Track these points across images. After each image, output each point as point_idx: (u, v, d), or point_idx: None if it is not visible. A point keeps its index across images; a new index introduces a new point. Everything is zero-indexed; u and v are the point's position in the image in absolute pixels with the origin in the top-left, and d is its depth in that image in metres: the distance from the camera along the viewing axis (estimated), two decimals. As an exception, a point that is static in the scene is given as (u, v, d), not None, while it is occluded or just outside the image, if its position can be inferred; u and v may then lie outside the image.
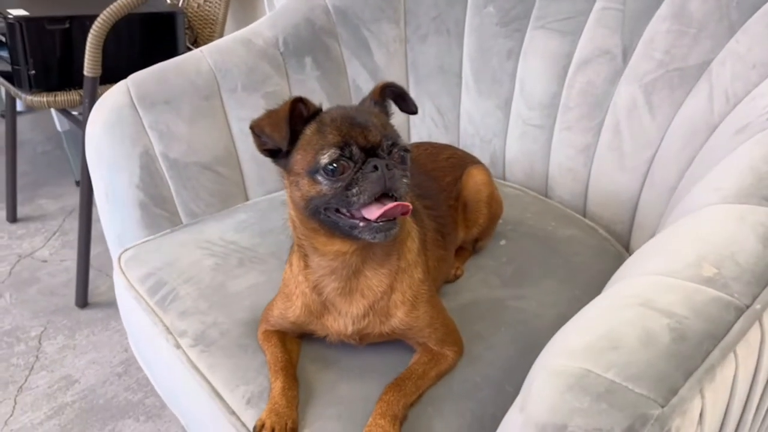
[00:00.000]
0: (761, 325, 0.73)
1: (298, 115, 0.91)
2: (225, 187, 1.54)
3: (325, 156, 0.85)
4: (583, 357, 0.69)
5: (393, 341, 1.06)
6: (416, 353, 1.03)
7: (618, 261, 1.32)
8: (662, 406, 0.64)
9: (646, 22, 1.37)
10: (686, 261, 0.78)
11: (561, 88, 1.51)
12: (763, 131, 0.96)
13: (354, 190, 0.84)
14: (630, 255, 1.35)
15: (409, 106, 0.98)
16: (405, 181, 0.86)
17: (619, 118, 1.39)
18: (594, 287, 1.22)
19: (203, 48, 1.55)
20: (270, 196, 1.57)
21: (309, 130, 0.90)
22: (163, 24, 2.51)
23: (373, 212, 0.85)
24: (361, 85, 1.66)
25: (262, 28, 1.60)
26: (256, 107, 1.53)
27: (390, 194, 0.85)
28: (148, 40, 2.49)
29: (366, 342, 1.04)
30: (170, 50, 2.53)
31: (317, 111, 0.93)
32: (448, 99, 1.69)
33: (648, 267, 0.81)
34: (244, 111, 1.52)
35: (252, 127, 0.94)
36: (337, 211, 0.87)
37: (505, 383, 1.02)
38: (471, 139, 1.68)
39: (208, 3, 2.82)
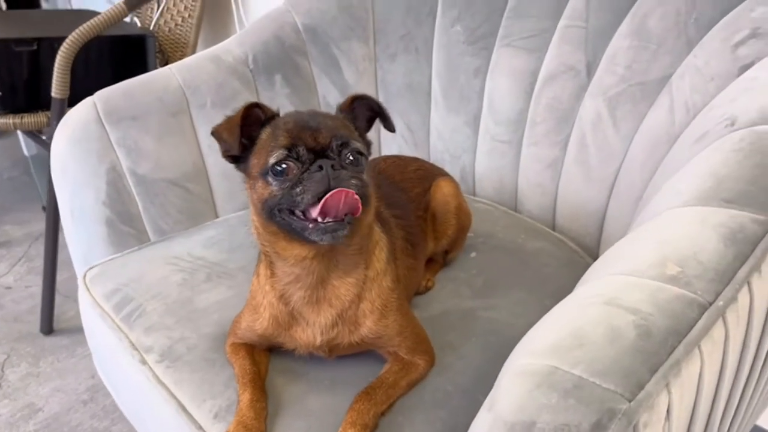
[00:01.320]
0: (725, 321, 0.74)
1: (255, 120, 0.93)
2: (194, 204, 1.53)
3: (273, 157, 0.86)
4: (549, 355, 0.69)
5: (363, 353, 1.05)
6: (387, 363, 1.02)
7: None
8: (629, 401, 0.64)
9: (608, 38, 1.40)
10: (650, 261, 0.79)
11: (528, 104, 1.53)
12: (721, 138, 0.98)
13: (298, 190, 0.84)
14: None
15: (386, 122, 0.97)
16: (354, 182, 0.85)
17: (584, 132, 1.42)
18: (563, 296, 1.24)
19: (172, 66, 1.55)
20: (240, 212, 1.56)
21: (264, 134, 0.92)
22: (133, 47, 2.51)
23: (315, 210, 0.84)
24: (331, 102, 1.67)
25: (231, 45, 1.61)
26: (225, 124, 1.53)
27: None
28: (117, 63, 2.49)
29: (335, 354, 1.03)
30: (140, 73, 2.53)
31: (274, 116, 0.94)
32: (417, 116, 1.71)
33: (612, 269, 0.82)
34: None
35: (212, 133, 0.95)
36: (293, 213, 0.87)
37: (476, 392, 1.02)
38: (441, 155, 1.70)
39: (179, 27, 2.82)
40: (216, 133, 0.94)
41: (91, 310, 1.28)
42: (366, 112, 0.97)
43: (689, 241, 0.82)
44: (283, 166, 0.86)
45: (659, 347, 0.69)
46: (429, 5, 1.66)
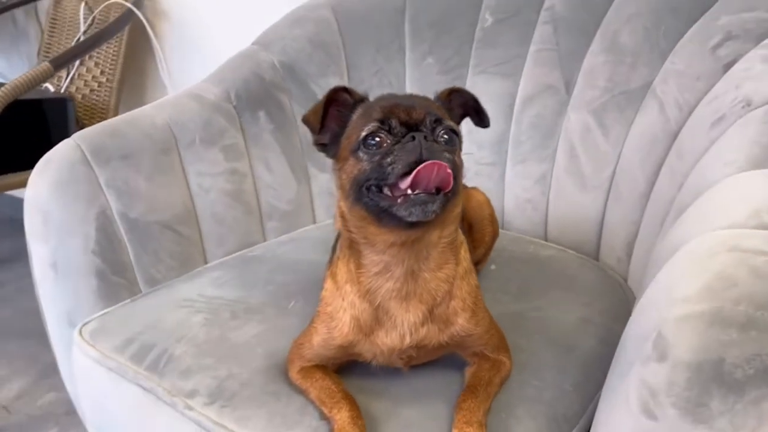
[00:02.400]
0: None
1: (344, 103, 0.93)
2: (185, 248, 1.42)
3: (365, 129, 0.85)
4: (706, 298, 0.70)
5: (433, 362, 1.01)
6: (472, 364, 0.99)
7: (600, 272, 1.39)
8: (796, 326, 0.66)
9: (581, 57, 1.51)
10: (743, 215, 0.84)
11: (509, 125, 1.60)
12: (743, 117, 1.08)
13: (389, 159, 0.81)
14: (603, 268, 1.43)
15: (480, 118, 0.97)
16: (447, 156, 0.81)
17: (573, 143, 1.50)
18: (596, 293, 1.28)
19: (148, 106, 1.47)
20: (236, 254, 1.47)
21: (356, 115, 0.91)
22: (53, 111, 2.35)
23: (407, 182, 0.80)
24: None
25: (207, 84, 1.55)
26: (215, 161, 1.46)
27: None
28: (37, 128, 2.31)
29: (414, 362, 0.98)
30: (62, 138, 2.36)
31: (363, 99, 0.94)
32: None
33: (709, 226, 0.85)
34: (203, 165, 1.44)
35: (303, 119, 0.94)
36: (381, 192, 0.83)
37: (561, 384, 1.01)
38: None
39: (95, 93, 2.68)
40: (305, 118, 0.93)
41: (99, 367, 1.13)
42: (459, 109, 0.96)
43: (764, 195, 0.88)
44: (376, 139, 0.84)
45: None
46: (398, 42, 1.71)
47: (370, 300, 0.92)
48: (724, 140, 1.07)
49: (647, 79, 1.40)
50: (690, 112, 1.28)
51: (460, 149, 0.91)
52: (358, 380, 1.00)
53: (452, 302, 0.93)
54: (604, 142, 1.45)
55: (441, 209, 0.82)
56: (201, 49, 2.61)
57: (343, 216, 0.93)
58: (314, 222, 1.68)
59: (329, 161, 1.67)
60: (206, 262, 1.48)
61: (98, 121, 2.65)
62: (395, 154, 0.81)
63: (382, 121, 0.84)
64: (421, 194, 0.80)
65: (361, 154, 0.85)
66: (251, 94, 1.55)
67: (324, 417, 0.93)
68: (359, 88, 1.67)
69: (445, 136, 0.86)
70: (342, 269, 0.95)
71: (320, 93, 1.64)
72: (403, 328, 0.92)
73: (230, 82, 1.55)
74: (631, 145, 1.40)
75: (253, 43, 1.69)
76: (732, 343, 0.66)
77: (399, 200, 0.81)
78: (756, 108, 1.07)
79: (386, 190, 0.83)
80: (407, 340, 0.92)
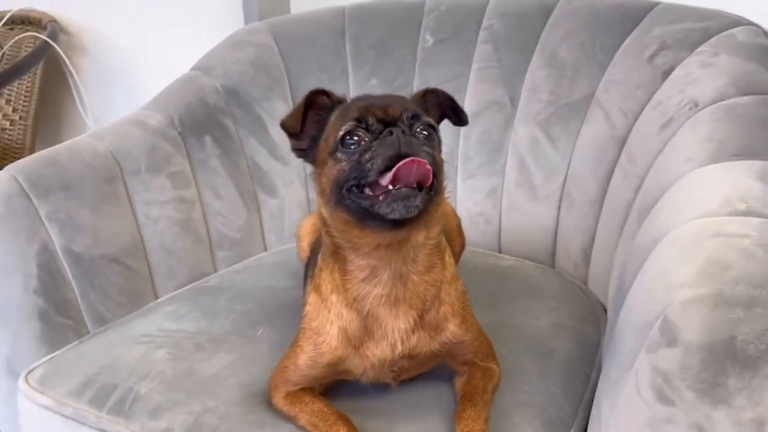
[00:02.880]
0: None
1: (322, 106, 0.91)
2: (134, 283, 1.34)
3: (342, 129, 0.83)
4: (705, 282, 0.72)
5: (421, 376, 0.99)
6: (461, 374, 0.97)
7: (560, 278, 1.41)
8: (793, 301, 0.69)
9: (523, 73, 1.56)
10: (716, 203, 0.87)
11: (457, 140, 1.61)
12: (691, 117, 1.13)
13: (367, 156, 0.80)
14: (561, 274, 1.45)
15: (459, 116, 0.96)
16: (427, 150, 0.81)
17: (523, 156, 1.53)
18: (561, 298, 1.30)
19: (85, 135, 1.38)
20: (190, 287, 1.39)
21: (333, 117, 0.90)
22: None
23: (388, 177, 0.78)
24: (260, 162, 1.60)
25: (148, 111, 1.48)
26: (162, 190, 1.40)
27: None
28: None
29: (403, 376, 0.95)
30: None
31: (341, 101, 0.92)
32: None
33: (685, 216, 0.88)
34: (150, 194, 1.37)
35: (281, 124, 0.92)
36: (362, 192, 0.81)
37: (549, 387, 1.00)
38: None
39: (7, 132, 2.51)
40: (283, 123, 0.91)
41: (53, 415, 1.03)
42: (435, 109, 0.95)
43: (732, 184, 0.92)
44: (354, 137, 0.82)
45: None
46: (340, 64, 1.71)
47: (357, 309, 0.89)
48: (678, 140, 1.12)
49: (589, 90, 1.46)
50: (635, 119, 1.33)
51: (440, 147, 0.90)
52: (348, 401, 0.96)
53: (441, 308, 0.91)
54: (553, 153, 1.49)
55: (424, 205, 0.80)
56: (122, 83, 2.52)
57: (325, 222, 0.90)
58: (265, 249, 1.63)
59: (289, 180, 1.64)
60: (156, 297, 1.39)
61: (12, 161, 2.49)
62: (374, 150, 0.80)
63: (358, 120, 0.83)
64: (403, 189, 0.78)
65: (339, 154, 0.83)
66: (196, 119, 1.49)
67: (317, 442, 0.88)
68: None
69: (424, 132, 0.84)
70: (326, 279, 0.92)
71: (265, 116, 1.62)
72: (393, 336, 0.89)
73: (173, 107, 1.48)
74: (579, 154, 1.45)
75: (192, 69, 1.63)
76: (740, 321, 0.67)
77: (380, 197, 0.79)
78: (703, 108, 1.13)
79: (367, 190, 0.81)
80: (399, 348, 0.89)
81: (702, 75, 1.21)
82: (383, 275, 0.87)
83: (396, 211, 0.79)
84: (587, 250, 1.42)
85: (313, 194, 1.68)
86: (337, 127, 0.86)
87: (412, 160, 0.77)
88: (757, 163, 0.98)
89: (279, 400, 0.94)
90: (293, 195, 1.66)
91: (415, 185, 0.79)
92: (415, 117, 0.84)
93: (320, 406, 0.90)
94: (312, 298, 0.93)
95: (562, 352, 1.10)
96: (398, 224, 0.81)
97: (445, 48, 1.67)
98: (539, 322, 1.18)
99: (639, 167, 1.23)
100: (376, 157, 0.79)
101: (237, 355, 1.10)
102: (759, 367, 0.65)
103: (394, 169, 0.77)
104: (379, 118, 0.83)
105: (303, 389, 0.94)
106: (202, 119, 1.51)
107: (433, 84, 1.66)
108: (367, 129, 0.83)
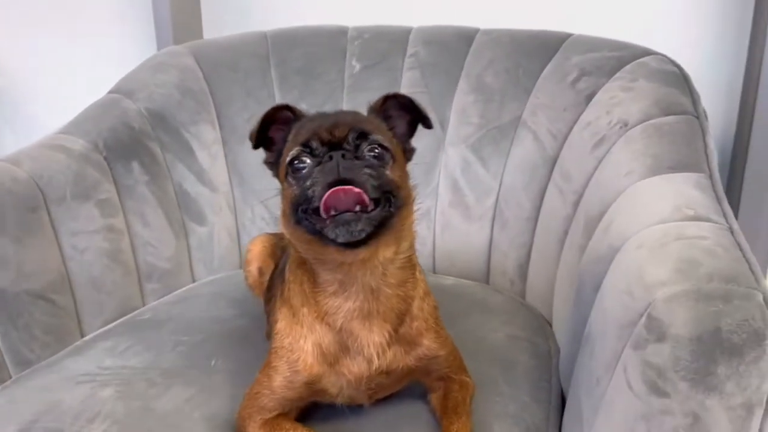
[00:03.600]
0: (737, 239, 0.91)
1: (286, 121, 0.90)
2: (61, 320, 1.23)
3: (289, 155, 0.83)
4: (681, 279, 0.77)
5: (393, 395, 0.98)
6: (436, 390, 0.97)
7: (501, 295, 1.45)
8: (759, 291, 0.75)
9: (451, 98, 1.61)
10: (666, 211, 0.94)
11: (390, 164, 1.63)
12: (623, 135, 1.22)
13: (308, 183, 0.79)
14: (500, 291, 1.50)
15: (422, 119, 0.95)
16: (368, 171, 0.79)
17: (455, 177, 1.57)
18: (508, 313, 1.35)
19: (2, 159, 1.26)
20: (121, 321, 1.30)
21: (291, 136, 0.89)
22: None
23: (322, 207, 0.78)
24: (188, 189, 1.53)
25: (68, 135, 1.38)
26: (90, 218, 1.30)
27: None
28: None
29: (378, 395, 0.94)
30: None
31: (303, 116, 0.91)
32: (274, 198, 1.66)
33: (641, 224, 0.94)
34: (77, 223, 1.27)
35: (249, 136, 0.92)
36: (314, 214, 0.80)
37: (519, 396, 1.03)
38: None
39: None
40: (250, 135, 0.91)
41: (-15, 470, 0.92)
42: (400, 114, 0.95)
43: (676, 193, 1.00)
44: (302, 163, 0.82)
45: (739, 256, 0.83)
46: (266, 89, 1.68)
47: (329, 323, 0.87)
48: (614, 156, 1.20)
49: (516, 113, 1.53)
50: (564, 139, 1.41)
51: (403, 159, 0.91)
52: (323, 426, 0.93)
53: (415, 323, 0.91)
54: (485, 174, 1.54)
55: (373, 226, 0.79)
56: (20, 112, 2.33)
57: (289, 240, 0.90)
58: (193, 280, 1.55)
59: (218, 206, 1.58)
60: (83, 335, 1.28)
61: None
62: (314, 177, 0.79)
63: (304, 144, 0.83)
64: (345, 214, 0.77)
65: (290, 179, 0.84)
66: (122, 144, 1.41)
67: (304, 470, 0.85)
68: (232, 137, 1.63)
69: (376, 151, 0.83)
70: (295, 291, 0.89)
71: (193, 141, 1.56)
72: (369, 351, 0.87)
73: (95, 131, 1.39)
74: (511, 174, 1.51)
75: (110, 92, 1.54)
76: (722, 313, 0.72)
77: (327, 221, 0.78)
78: (633, 127, 1.22)
79: (321, 213, 0.79)
80: (376, 363, 0.88)
81: (626, 98, 1.30)
82: (352, 289, 0.86)
83: (341, 236, 0.78)
84: (523, 266, 1.47)
85: (243, 220, 1.65)
86: (289, 148, 0.85)
87: (336, 191, 0.77)
88: (691, 175, 1.07)
89: (255, 430, 0.89)
90: (222, 222, 1.60)
91: (356, 208, 0.78)
92: (362, 136, 0.83)
93: (302, 431, 0.87)
94: (283, 312, 0.91)
95: (523, 362, 1.13)
96: (353, 245, 0.80)
97: (372, 74, 1.70)
98: (497, 335, 1.21)
99: (575, 183, 1.30)
100: (316, 184, 0.79)
101: (195, 388, 1.03)
102: (744, 354, 0.70)
103: (322, 201, 0.77)
104: (324, 141, 0.82)
105: (279, 415, 0.90)
106: (128, 144, 1.42)
107: (363, 110, 1.68)
108: (311, 153, 0.82)
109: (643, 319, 0.78)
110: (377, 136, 0.84)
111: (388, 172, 0.83)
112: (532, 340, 1.22)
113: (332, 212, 0.77)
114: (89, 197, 1.29)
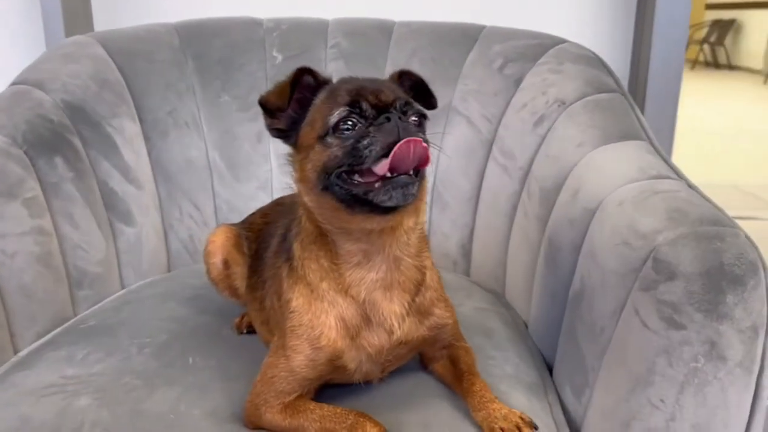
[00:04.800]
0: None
1: (306, 86, 0.88)
2: (-7, 335, 1.08)
3: (335, 115, 0.81)
4: (675, 225, 0.85)
5: (397, 370, 0.98)
6: (440, 359, 0.98)
7: (449, 273, 1.49)
8: (742, 231, 0.85)
9: (379, 87, 1.63)
10: (633, 172, 1.03)
11: (322, 155, 1.62)
12: (563, 113, 1.31)
13: (365, 142, 0.78)
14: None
15: (429, 99, 0.95)
16: (421, 135, 0.80)
17: (391, 164, 1.59)
18: (464, 289, 1.39)
19: None
20: (60, 332, 1.17)
21: (319, 99, 0.86)
22: None
23: (384, 165, 0.77)
24: (114, 187, 1.41)
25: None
26: (18, 219, 1.17)
27: None
28: None
29: (391, 367, 0.95)
30: None
31: (327, 81, 0.88)
32: (202, 193, 1.58)
33: (615, 183, 1.02)
34: (5, 224, 1.12)
35: (260, 102, 0.87)
36: (351, 179, 0.79)
37: (509, 359, 1.07)
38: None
39: None
40: (263, 100, 0.86)
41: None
42: (410, 92, 0.94)
43: (635, 158, 1.10)
44: (348, 123, 0.80)
45: (709, 203, 0.92)
46: (185, 81, 1.60)
47: (353, 294, 0.86)
48: (560, 132, 1.28)
49: (446, 100, 1.58)
50: (499, 121, 1.48)
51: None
52: (344, 403, 0.90)
53: (428, 293, 0.92)
54: (421, 159, 1.58)
55: (419, 191, 0.81)
56: None
57: (308, 212, 0.87)
58: (122, 286, 1.43)
59: (145, 205, 1.47)
60: (16, 350, 1.14)
61: None
62: (372, 136, 0.78)
63: (351, 105, 0.81)
64: (402, 176, 0.77)
65: (330, 140, 0.81)
66: (42, 138, 1.27)
67: (334, 448, 0.82)
68: (154, 130, 1.55)
69: (415, 119, 0.84)
70: (312, 267, 0.87)
71: (116, 135, 1.46)
72: (390, 322, 0.87)
73: (11, 125, 1.24)
74: (447, 158, 1.55)
75: (15, 83, 1.38)
76: (721, 250, 0.81)
77: (377, 185, 0.77)
78: (571, 104, 1.31)
79: (357, 177, 0.78)
80: (396, 334, 0.88)
81: (557, 79, 1.40)
82: (377, 259, 0.85)
83: (394, 199, 0.77)
84: (466, 246, 1.52)
85: (170, 220, 1.55)
86: (325, 111, 0.82)
87: (408, 141, 0.76)
88: (639, 143, 1.17)
89: (274, 416, 0.85)
90: (150, 222, 1.50)
91: (411, 171, 0.78)
92: (408, 104, 0.84)
93: (330, 409, 0.84)
94: (298, 291, 0.87)
95: (499, 330, 1.17)
96: (390, 211, 0.80)
97: (296, 64, 1.63)
98: (465, 308, 1.24)
99: (520, 161, 1.37)
100: (375, 143, 0.77)
101: (181, 386, 0.96)
102: (746, 282, 0.79)
103: (392, 153, 0.76)
104: (373, 104, 0.81)
105: (299, 397, 0.86)
106: (49, 138, 1.28)
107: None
108: (360, 114, 0.80)
109: (649, 263, 0.85)
110: (419, 107, 0.85)
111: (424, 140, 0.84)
112: (496, 310, 1.27)
113: (393, 172, 0.76)
114: (15, 195, 1.15)
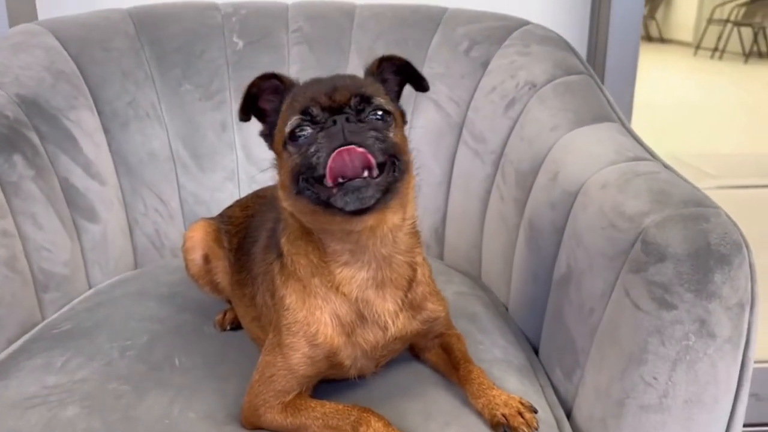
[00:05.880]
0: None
1: (275, 91, 0.87)
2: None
3: (289, 124, 0.81)
4: (661, 208, 0.88)
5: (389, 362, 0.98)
6: (431, 349, 0.99)
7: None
8: (723, 210, 0.88)
9: (343, 72, 1.61)
10: (611, 154, 1.06)
11: (289, 142, 1.59)
12: (534, 95, 1.32)
13: (312, 149, 0.77)
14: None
15: (419, 82, 0.93)
16: (373, 134, 0.77)
17: (360, 150, 1.57)
18: (444, 274, 1.38)
19: None
20: (30, 337, 1.13)
21: (285, 104, 0.86)
22: None
23: (328, 173, 0.75)
24: (75, 183, 1.35)
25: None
26: (-21, 222, 1.10)
27: None
28: None
29: (383, 362, 0.95)
30: None
31: (293, 84, 0.88)
32: (166, 185, 1.53)
33: (596, 166, 1.04)
34: (-34, 228, 1.06)
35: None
36: (318, 183, 0.78)
37: (496, 342, 1.09)
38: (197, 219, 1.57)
39: None
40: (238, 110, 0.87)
41: None
42: (394, 77, 0.93)
43: (609, 140, 1.12)
44: (303, 131, 0.80)
45: (688, 183, 0.95)
46: (143, 69, 1.53)
47: (345, 292, 0.85)
48: (533, 114, 1.29)
49: (413, 84, 1.58)
50: (468, 105, 1.49)
51: (401, 123, 0.90)
52: (341, 398, 0.90)
53: (419, 288, 0.92)
54: (390, 144, 1.57)
55: (382, 192, 0.78)
56: None
57: (291, 215, 0.86)
58: (89, 286, 1.38)
59: (109, 201, 1.44)
60: (-19, 359, 1.09)
61: None
62: (318, 143, 0.77)
63: (303, 112, 0.80)
64: (354, 180, 0.75)
65: (290, 148, 0.81)
66: (-1, 135, 1.20)
67: (339, 445, 0.82)
68: (114, 122, 1.50)
69: (379, 114, 0.82)
70: (301, 263, 0.86)
71: (75, 130, 1.40)
72: (384, 319, 0.87)
73: (-37, 121, 1.17)
74: (417, 142, 1.54)
75: (-38, 74, 1.30)
76: (707, 230, 0.84)
77: (334, 190, 0.76)
78: (542, 87, 1.33)
79: (326, 181, 0.77)
80: (391, 331, 0.88)
81: (526, 62, 1.41)
82: (364, 258, 0.85)
83: (350, 204, 0.76)
84: (439, 230, 1.53)
85: (134, 214, 1.50)
86: (285, 118, 0.82)
87: (340, 152, 0.75)
88: (611, 125, 1.20)
89: (275, 416, 0.84)
90: (115, 219, 1.44)
91: (365, 173, 0.76)
92: (364, 100, 0.81)
93: (332, 406, 0.84)
94: (290, 287, 0.86)
95: (481, 314, 1.18)
96: (361, 212, 0.79)
97: (258, 50, 1.63)
98: (446, 293, 1.21)
99: (492, 144, 1.38)
100: (321, 149, 0.76)
101: (172, 390, 0.94)
102: (732, 261, 0.82)
103: (327, 167, 0.75)
104: (325, 106, 0.80)
105: (299, 395, 0.85)
106: (6, 135, 1.21)
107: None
108: (312, 120, 0.80)
109: (638, 245, 0.87)
110: (380, 100, 0.83)
111: (392, 135, 0.82)
112: (476, 294, 1.28)
113: (339, 180, 0.75)
114: (-24, 196, 1.09)
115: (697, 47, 8.69)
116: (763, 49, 7.90)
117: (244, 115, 0.87)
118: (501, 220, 1.31)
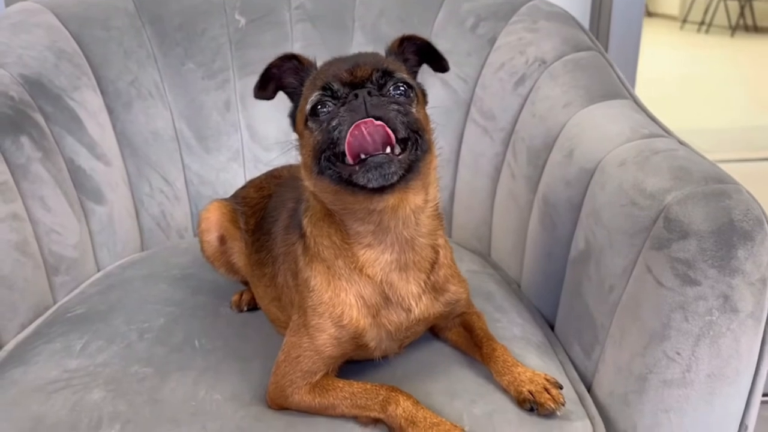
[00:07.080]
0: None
1: (296, 72, 0.88)
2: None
3: (310, 101, 0.81)
4: (682, 185, 0.88)
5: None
6: (452, 328, 1.00)
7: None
8: (742, 186, 0.89)
9: (349, 49, 1.58)
10: (628, 132, 1.06)
11: (292, 122, 1.58)
12: (545, 72, 1.32)
13: (334, 123, 0.77)
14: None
15: (439, 62, 0.92)
16: (395, 108, 0.77)
17: (366, 128, 1.57)
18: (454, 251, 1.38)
19: None
20: (44, 321, 1.12)
21: (305, 85, 0.86)
22: None
23: (348, 150, 0.75)
24: (81, 164, 1.33)
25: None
26: (-11, 205, 1.08)
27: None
28: None
29: (407, 343, 0.95)
30: None
31: (312, 65, 0.88)
32: (171, 166, 1.51)
33: (611, 144, 1.04)
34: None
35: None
36: (339, 161, 0.77)
37: (514, 320, 1.10)
38: (211, 200, 1.55)
39: None
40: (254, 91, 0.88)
41: None
42: (414, 57, 0.92)
43: (624, 117, 1.12)
44: (324, 107, 0.80)
45: (707, 160, 0.96)
46: (145, 48, 1.51)
47: (369, 274, 0.85)
48: (544, 92, 1.29)
49: (418, 61, 1.56)
50: (475, 82, 1.48)
51: (423, 100, 0.90)
52: (366, 378, 0.90)
53: (442, 271, 0.92)
54: (396, 122, 1.56)
55: (405, 170, 0.78)
56: None
57: (313, 195, 0.86)
58: (98, 268, 1.37)
59: (114, 182, 1.43)
60: (0, 344, 1.08)
61: None
62: (340, 117, 0.76)
63: (324, 88, 0.80)
64: (376, 156, 0.74)
65: (311, 125, 0.81)
66: (5, 118, 1.17)
67: (367, 423, 0.82)
68: (117, 102, 1.47)
69: (400, 88, 0.81)
70: (324, 244, 0.86)
71: (79, 109, 1.38)
72: (408, 302, 0.87)
73: (-32, 102, 1.15)
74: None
75: (-37, 55, 1.27)
76: (729, 207, 0.84)
77: (357, 167, 0.76)
78: (552, 63, 1.32)
79: (347, 158, 0.76)
80: (414, 313, 0.88)
81: (534, 38, 1.40)
82: (387, 241, 0.85)
83: (373, 181, 0.76)
84: (447, 208, 1.53)
85: (140, 195, 1.49)
86: (306, 96, 0.82)
87: (358, 125, 0.74)
88: (624, 101, 1.20)
89: (303, 396, 0.84)
90: (121, 200, 1.43)
91: (385, 149, 0.75)
92: (386, 74, 0.81)
93: (360, 385, 0.84)
94: (315, 268, 0.86)
95: (495, 292, 1.19)
96: (383, 190, 0.78)
97: (260, 28, 1.61)
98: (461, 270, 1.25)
99: (501, 121, 1.38)
100: (343, 123, 0.75)
101: (194, 371, 0.94)
102: (754, 237, 0.83)
103: (345, 141, 0.74)
104: (346, 82, 0.79)
105: (325, 376, 0.86)
106: (13, 117, 1.19)
107: (257, 66, 1.60)
108: (333, 96, 0.79)
109: (660, 222, 0.87)
110: (402, 74, 0.82)
111: (414, 111, 0.82)
112: (487, 272, 1.29)
113: (361, 156, 0.74)
114: (-17, 179, 1.08)
115: (684, 21, 8.67)
116: (750, 22, 7.90)
117: (261, 91, 0.87)
118: (512, 198, 1.31)
